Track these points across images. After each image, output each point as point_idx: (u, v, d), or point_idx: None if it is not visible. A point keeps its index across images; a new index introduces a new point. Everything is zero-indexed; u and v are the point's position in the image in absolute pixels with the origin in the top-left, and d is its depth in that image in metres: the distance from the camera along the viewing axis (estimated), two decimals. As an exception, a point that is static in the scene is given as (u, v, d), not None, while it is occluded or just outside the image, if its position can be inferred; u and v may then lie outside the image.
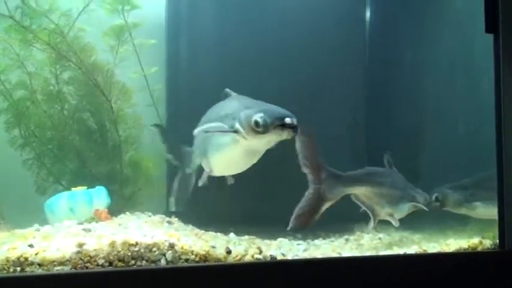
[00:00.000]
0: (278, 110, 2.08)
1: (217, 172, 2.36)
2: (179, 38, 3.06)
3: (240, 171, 2.31)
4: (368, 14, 3.32)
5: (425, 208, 2.66)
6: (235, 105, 2.23)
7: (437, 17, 3.15)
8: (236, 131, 2.12)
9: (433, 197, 2.81)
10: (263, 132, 2.05)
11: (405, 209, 2.63)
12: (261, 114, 2.04)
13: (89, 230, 2.23)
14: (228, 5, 2.95)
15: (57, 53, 2.85)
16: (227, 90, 2.42)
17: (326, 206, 2.32)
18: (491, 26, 2.28)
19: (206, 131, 2.24)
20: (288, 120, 2.02)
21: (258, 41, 2.89)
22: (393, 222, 2.57)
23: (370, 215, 2.53)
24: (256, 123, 2.04)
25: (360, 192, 2.47)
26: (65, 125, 2.92)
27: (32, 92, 2.89)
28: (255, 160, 2.24)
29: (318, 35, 2.92)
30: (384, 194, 2.53)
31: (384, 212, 2.56)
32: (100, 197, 2.67)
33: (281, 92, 2.80)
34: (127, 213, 2.83)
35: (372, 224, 2.54)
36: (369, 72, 3.11)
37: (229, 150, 2.21)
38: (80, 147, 2.94)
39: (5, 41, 2.77)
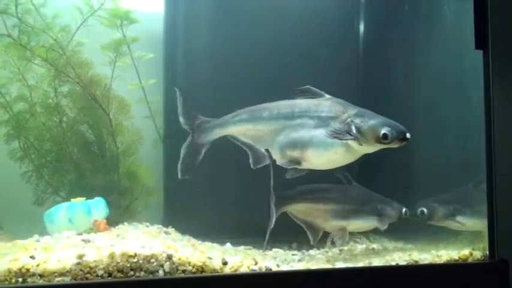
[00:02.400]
0: (397, 124, 2.32)
1: (309, 166, 2.45)
2: (177, 51, 3.11)
3: (332, 167, 2.46)
4: (362, 24, 3.39)
5: (380, 227, 2.70)
6: (340, 110, 2.38)
7: (429, 32, 3.21)
8: (354, 138, 2.30)
9: (419, 211, 2.85)
10: (386, 143, 2.29)
11: (367, 222, 2.68)
12: (389, 128, 2.28)
13: (88, 241, 2.27)
14: (224, 18, 3.02)
15: (56, 68, 2.89)
16: (310, 87, 2.51)
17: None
18: (480, 42, 2.34)
19: (332, 135, 2.33)
20: (408, 135, 2.29)
21: (254, 52, 2.95)
22: (338, 242, 2.62)
23: (306, 230, 2.60)
24: (385, 136, 2.27)
25: (294, 209, 2.57)
26: (63, 137, 2.96)
27: (31, 105, 2.93)
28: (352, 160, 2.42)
29: (311, 45, 2.99)
30: (328, 209, 2.59)
31: (329, 226, 2.61)
32: (98, 207, 2.70)
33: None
34: (125, 223, 2.87)
35: (311, 238, 2.60)
36: (361, 82, 3.17)
37: (337, 151, 2.36)
38: (78, 159, 2.98)
39: (5, 55, 2.81)
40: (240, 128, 2.56)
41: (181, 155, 2.61)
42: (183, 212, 2.95)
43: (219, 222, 2.85)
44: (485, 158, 2.32)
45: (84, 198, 2.71)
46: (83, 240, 2.29)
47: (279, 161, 2.48)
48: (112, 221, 2.80)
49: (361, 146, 2.32)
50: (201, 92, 2.96)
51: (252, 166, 2.52)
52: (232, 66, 2.94)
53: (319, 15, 3.09)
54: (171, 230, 2.83)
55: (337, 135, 2.32)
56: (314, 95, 2.48)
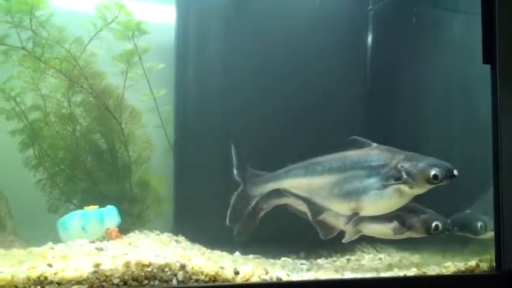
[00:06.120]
0: (444, 163, 2.38)
1: (367, 213, 2.50)
2: (188, 61, 3.16)
3: (387, 212, 2.50)
4: (369, 39, 3.43)
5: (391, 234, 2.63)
6: (388, 157, 2.44)
7: (437, 45, 3.25)
8: (404, 182, 2.35)
9: (479, 227, 2.74)
10: (437, 184, 2.34)
11: (383, 228, 2.62)
12: (438, 169, 2.33)
13: (101, 249, 2.32)
14: (234, 29, 3.06)
15: (69, 79, 2.96)
16: (356, 137, 2.56)
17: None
18: (488, 57, 2.38)
19: (386, 185, 2.38)
20: (455, 172, 2.34)
21: (264, 65, 2.99)
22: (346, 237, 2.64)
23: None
24: (435, 176, 2.32)
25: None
26: (77, 146, 3.02)
27: (46, 114, 2.99)
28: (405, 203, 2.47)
29: (321, 62, 3.03)
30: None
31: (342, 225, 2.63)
32: (111, 216, 2.76)
33: (285, 115, 2.93)
34: (136, 231, 2.92)
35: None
36: (369, 97, 3.21)
37: (391, 197, 2.40)
38: (91, 167, 3.04)
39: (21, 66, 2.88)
40: (294, 183, 2.60)
41: (232, 203, 2.63)
42: (193, 221, 2.98)
43: (228, 231, 2.88)
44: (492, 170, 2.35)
45: (97, 207, 2.76)
46: (97, 248, 2.33)
47: (338, 210, 2.54)
48: (123, 228, 2.84)
49: (413, 189, 2.38)
50: (212, 100, 3.02)
51: (311, 219, 2.57)
52: (243, 74, 2.99)
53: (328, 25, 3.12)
54: (181, 238, 2.88)
55: (389, 184, 2.38)
56: (361, 145, 2.54)
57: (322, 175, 2.54)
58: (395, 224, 2.58)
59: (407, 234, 2.60)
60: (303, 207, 2.64)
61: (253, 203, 2.63)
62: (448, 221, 2.72)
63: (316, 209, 2.55)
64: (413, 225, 2.57)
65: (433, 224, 2.55)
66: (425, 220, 2.57)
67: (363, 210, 2.46)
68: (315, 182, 2.55)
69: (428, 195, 2.46)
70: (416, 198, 2.48)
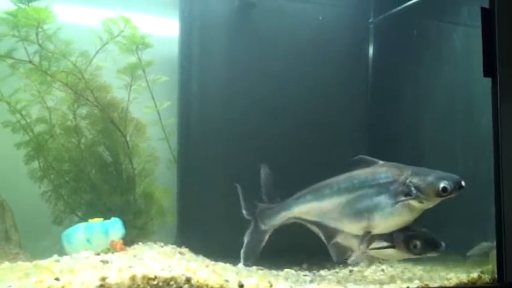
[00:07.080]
0: (452, 175, 2.40)
1: (379, 231, 2.50)
2: (191, 74, 3.19)
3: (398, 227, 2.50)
4: (371, 51, 3.47)
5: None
6: (396, 173, 2.45)
7: (439, 57, 3.29)
8: (415, 197, 2.37)
9: None
10: (446, 196, 2.35)
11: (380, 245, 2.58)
12: (447, 181, 2.35)
13: (107, 262, 2.33)
14: (237, 42, 3.10)
15: (75, 92, 3.00)
16: (363, 157, 2.59)
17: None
18: (489, 70, 2.40)
19: (398, 201, 2.40)
20: (463, 183, 2.36)
21: (267, 77, 3.03)
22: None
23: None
24: (444, 189, 2.34)
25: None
26: (81, 158, 3.04)
27: (51, 127, 3.02)
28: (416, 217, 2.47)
29: (322, 74, 3.08)
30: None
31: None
32: (115, 228, 2.77)
33: (286, 128, 2.96)
34: (140, 243, 2.93)
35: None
36: (371, 110, 3.24)
37: (402, 213, 2.42)
38: (95, 179, 3.06)
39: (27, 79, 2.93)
40: (305, 208, 2.62)
41: (245, 241, 2.66)
42: (197, 233, 3.00)
43: (231, 242, 2.90)
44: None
45: (102, 219, 2.78)
46: (102, 261, 2.34)
47: (349, 231, 2.54)
48: (127, 240, 2.86)
49: (423, 204, 2.40)
50: (215, 112, 3.07)
51: (326, 243, 2.56)
52: (245, 87, 3.03)
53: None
54: (184, 250, 2.89)
55: (400, 201, 2.39)
56: (368, 163, 2.56)
57: (331, 197, 2.54)
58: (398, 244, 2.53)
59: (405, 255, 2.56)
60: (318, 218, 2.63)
61: (267, 236, 2.64)
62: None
63: (329, 233, 2.55)
64: (397, 244, 2.52)
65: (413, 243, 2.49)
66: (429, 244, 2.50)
67: (374, 228, 2.46)
68: (325, 205, 2.55)
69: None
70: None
